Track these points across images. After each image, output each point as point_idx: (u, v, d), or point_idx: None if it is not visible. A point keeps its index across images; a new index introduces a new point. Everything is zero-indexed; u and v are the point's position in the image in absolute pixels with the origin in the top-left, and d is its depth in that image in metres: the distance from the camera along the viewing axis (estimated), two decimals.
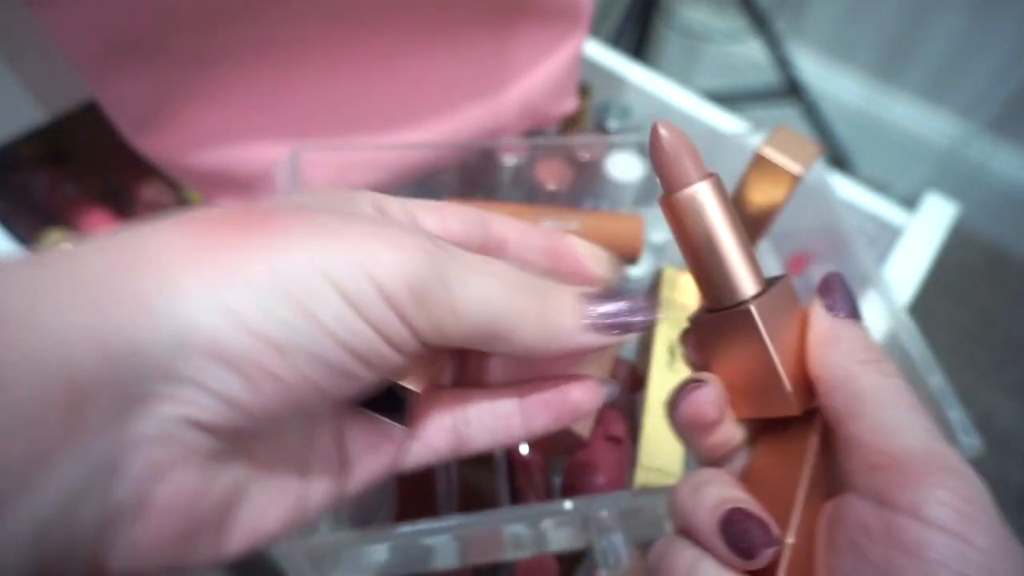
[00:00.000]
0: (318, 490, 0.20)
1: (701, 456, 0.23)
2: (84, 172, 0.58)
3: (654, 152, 0.21)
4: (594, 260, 0.23)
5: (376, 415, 0.20)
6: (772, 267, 0.49)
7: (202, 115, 0.41)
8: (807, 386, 0.21)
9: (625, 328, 0.20)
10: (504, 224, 0.22)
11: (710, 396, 0.21)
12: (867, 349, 0.20)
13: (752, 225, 0.36)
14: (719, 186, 0.21)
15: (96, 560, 0.15)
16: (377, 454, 0.21)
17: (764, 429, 0.23)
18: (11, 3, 0.39)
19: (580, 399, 0.22)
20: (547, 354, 0.19)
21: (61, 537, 0.14)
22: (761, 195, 0.35)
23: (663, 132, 0.21)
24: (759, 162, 0.34)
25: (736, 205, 0.36)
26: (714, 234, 0.20)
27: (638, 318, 0.20)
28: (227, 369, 0.15)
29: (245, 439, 0.17)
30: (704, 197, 0.20)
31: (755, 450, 0.22)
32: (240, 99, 0.41)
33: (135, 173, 0.56)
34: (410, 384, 0.19)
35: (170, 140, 0.41)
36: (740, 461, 0.23)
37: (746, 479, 0.22)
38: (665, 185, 0.21)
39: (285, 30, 0.40)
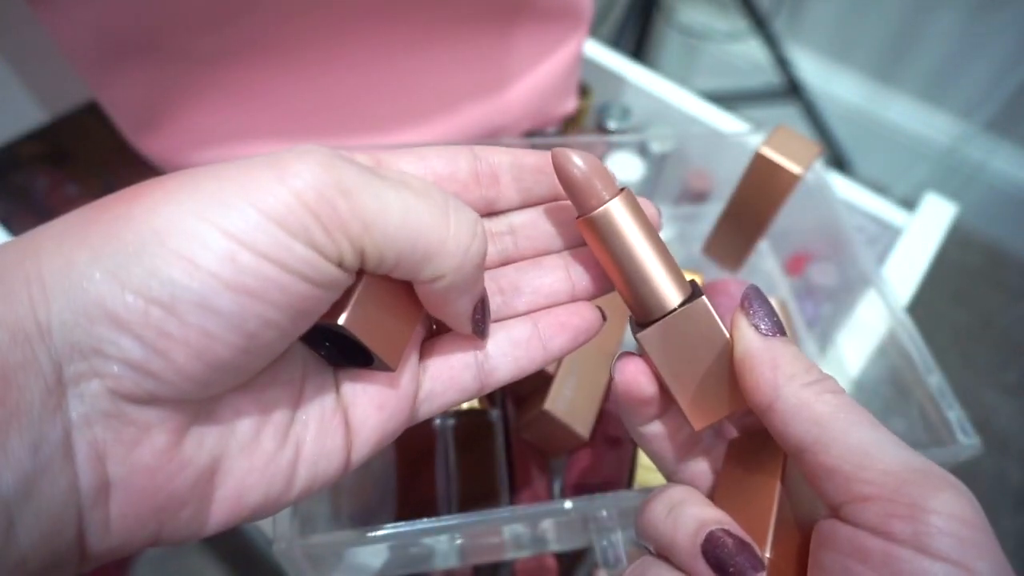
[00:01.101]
0: (310, 458, 0.19)
1: (652, 453, 0.23)
2: (84, 172, 0.58)
3: (561, 179, 0.21)
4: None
5: (344, 366, 0.20)
6: (772, 267, 0.49)
7: (202, 115, 0.41)
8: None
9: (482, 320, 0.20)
10: (496, 152, 0.22)
11: (642, 366, 0.21)
12: (808, 369, 0.20)
13: (752, 225, 0.36)
14: (631, 200, 0.21)
15: (76, 541, 0.16)
16: (383, 411, 0.20)
17: (732, 444, 0.22)
18: (11, 3, 0.39)
19: (592, 316, 0.23)
20: (470, 285, 0.19)
21: (32, 521, 0.14)
22: (761, 195, 0.35)
23: (574, 160, 0.21)
24: (759, 162, 0.34)
25: (736, 205, 0.36)
26: (633, 248, 0.20)
27: None
28: (126, 335, 0.15)
29: (208, 410, 0.17)
30: (617, 213, 0.20)
31: (724, 465, 0.22)
32: (240, 99, 0.41)
33: (135, 173, 0.56)
34: (351, 323, 0.18)
35: (170, 140, 0.41)
36: (699, 466, 0.23)
37: (716, 495, 0.21)
38: (578, 207, 0.21)
39: (285, 30, 0.40)
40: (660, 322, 0.20)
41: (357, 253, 0.17)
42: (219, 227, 0.15)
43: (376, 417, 0.20)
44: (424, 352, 0.22)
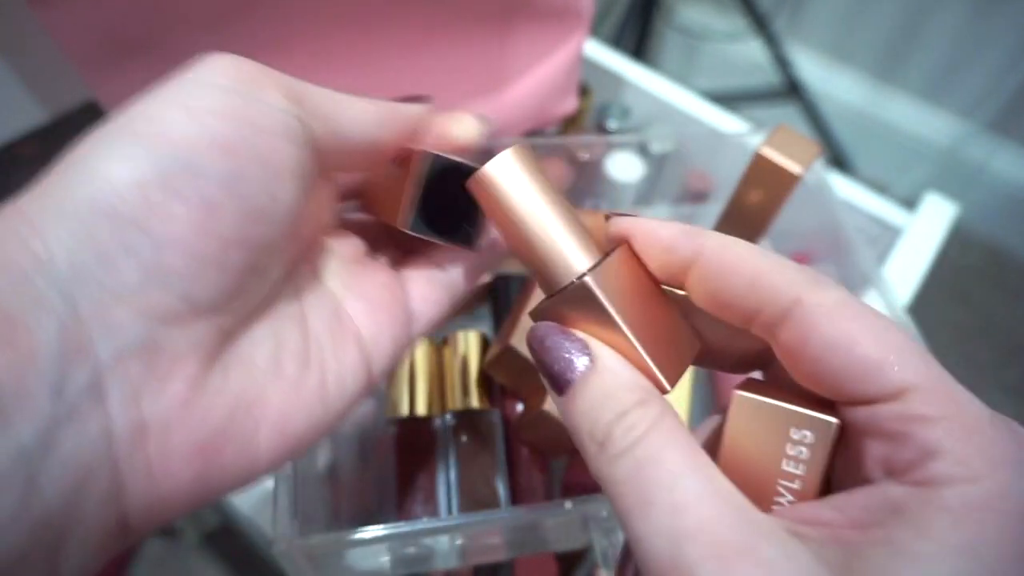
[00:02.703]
0: (334, 377, 0.19)
1: None
2: None
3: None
4: (461, 129, 0.23)
5: (437, 240, 0.21)
6: None
7: None
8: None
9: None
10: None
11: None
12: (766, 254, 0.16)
13: (752, 225, 0.36)
14: (526, 154, 0.18)
15: (112, 496, 0.14)
16: (386, 315, 0.21)
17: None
18: (11, 3, 0.39)
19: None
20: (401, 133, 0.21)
21: (58, 472, 0.13)
22: (761, 195, 0.35)
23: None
24: (759, 162, 0.34)
25: (736, 205, 0.36)
26: (528, 207, 0.17)
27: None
28: (132, 231, 0.14)
29: (227, 344, 0.17)
30: (507, 167, 0.17)
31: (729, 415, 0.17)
32: None
33: None
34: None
35: None
36: None
37: (719, 450, 0.17)
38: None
39: (284, 30, 0.40)
40: (606, 263, 0.17)
41: (328, 133, 0.19)
42: (179, 104, 0.16)
43: (382, 324, 0.21)
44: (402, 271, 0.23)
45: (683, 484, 0.14)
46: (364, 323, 0.20)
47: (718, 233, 0.17)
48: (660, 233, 0.17)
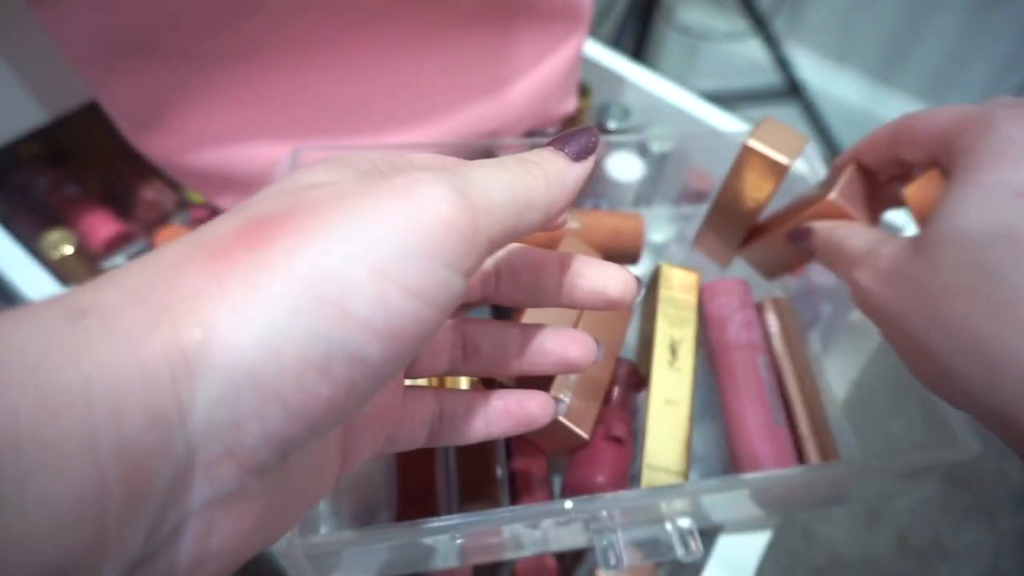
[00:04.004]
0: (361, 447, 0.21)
1: None
2: (84, 172, 0.58)
3: None
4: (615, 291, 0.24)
5: None
6: None
7: (202, 115, 0.41)
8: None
9: (591, 149, 0.22)
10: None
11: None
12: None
13: (741, 217, 0.36)
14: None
15: None
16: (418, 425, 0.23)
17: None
18: (11, 3, 0.39)
19: (535, 410, 0.24)
20: (558, 206, 0.20)
21: None
22: (750, 187, 0.35)
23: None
24: (746, 154, 0.34)
25: (724, 198, 0.36)
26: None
27: (594, 139, 0.22)
28: (273, 405, 0.14)
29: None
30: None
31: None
32: (240, 99, 0.41)
33: (135, 173, 0.56)
34: None
35: (170, 140, 0.41)
36: None
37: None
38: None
39: (285, 31, 0.40)
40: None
41: (491, 247, 0.17)
42: (369, 265, 0.14)
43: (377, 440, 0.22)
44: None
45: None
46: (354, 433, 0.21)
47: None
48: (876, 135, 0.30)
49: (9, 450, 0.12)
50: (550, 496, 0.35)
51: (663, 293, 0.38)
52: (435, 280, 0.15)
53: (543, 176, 0.20)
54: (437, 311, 0.16)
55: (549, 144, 0.21)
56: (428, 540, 0.30)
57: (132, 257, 0.51)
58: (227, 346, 0.14)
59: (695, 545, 0.31)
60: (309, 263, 0.14)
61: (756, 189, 0.35)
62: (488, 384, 0.35)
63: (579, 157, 0.21)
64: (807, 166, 0.43)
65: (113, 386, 0.13)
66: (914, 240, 0.24)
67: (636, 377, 0.37)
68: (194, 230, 0.16)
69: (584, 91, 0.57)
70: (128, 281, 0.14)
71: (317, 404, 0.14)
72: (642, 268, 0.47)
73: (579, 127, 0.22)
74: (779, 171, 0.33)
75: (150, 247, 0.51)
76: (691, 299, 0.38)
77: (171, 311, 0.14)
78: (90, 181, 0.57)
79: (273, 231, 0.15)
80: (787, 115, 1.17)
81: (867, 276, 0.26)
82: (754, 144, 0.33)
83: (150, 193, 0.55)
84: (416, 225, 0.15)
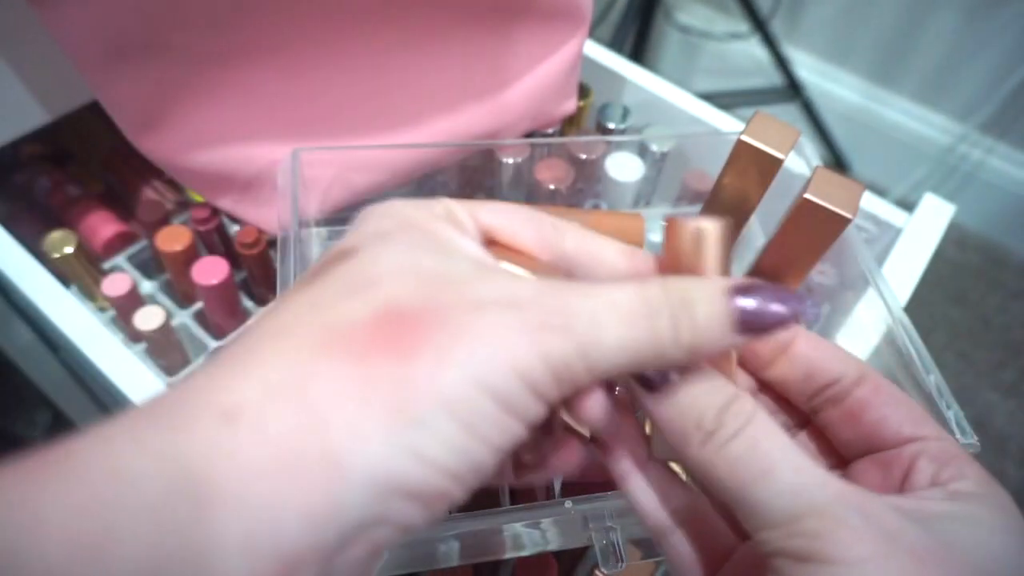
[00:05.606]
0: None
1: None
2: (86, 172, 0.58)
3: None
4: (695, 243, 0.20)
5: None
6: None
7: (202, 115, 0.41)
8: None
9: (776, 324, 0.18)
10: (576, 240, 0.22)
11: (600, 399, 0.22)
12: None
13: (735, 212, 0.36)
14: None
15: None
16: None
17: None
18: (12, 3, 0.39)
19: (562, 463, 0.23)
20: (693, 363, 0.19)
21: None
22: (743, 182, 0.35)
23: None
24: (740, 149, 0.34)
25: (718, 195, 0.36)
26: None
27: (788, 316, 0.18)
28: (414, 505, 0.16)
29: None
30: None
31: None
32: (240, 99, 0.41)
33: (136, 173, 0.56)
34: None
35: (170, 140, 0.41)
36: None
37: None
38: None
39: (285, 30, 0.40)
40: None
41: (576, 392, 0.19)
42: (495, 398, 0.16)
43: None
44: None
45: (795, 451, 0.17)
46: None
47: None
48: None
49: (170, 562, 0.12)
50: (550, 496, 0.35)
51: None
52: (531, 408, 0.17)
53: (679, 343, 0.17)
54: (528, 428, 0.17)
55: (735, 288, 0.18)
56: (428, 540, 0.30)
57: (132, 258, 0.51)
58: (378, 454, 0.15)
59: None
60: (449, 388, 0.16)
61: (751, 184, 0.35)
62: None
63: (749, 330, 0.18)
64: (804, 163, 0.43)
65: (268, 491, 0.14)
66: None
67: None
68: (315, 298, 0.17)
69: (584, 91, 0.57)
70: (270, 374, 0.15)
71: (446, 502, 0.17)
72: None
73: (781, 288, 0.18)
74: (774, 165, 0.33)
75: (150, 247, 0.51)
76: None
77: (319, 416, 0.15)
78: (91, 181, 0.57)
79: (412, 338, 0.16)
80: (787, 115, 1.17)
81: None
82: (748, 139, 0.33)
83: (150, 193, 0.55)
84: (523, 359, 0.16)
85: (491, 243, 0.22)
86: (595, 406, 0.19)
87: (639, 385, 0.19)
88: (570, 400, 0.20)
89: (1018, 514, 0.18)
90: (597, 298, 0.17)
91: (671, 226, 0.20)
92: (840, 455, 0.23)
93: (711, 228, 0.20)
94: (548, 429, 0.22)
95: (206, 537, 0.13)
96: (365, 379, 0.15)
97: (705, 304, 0.17)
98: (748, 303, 0.17)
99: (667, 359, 0.18)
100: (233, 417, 0.14)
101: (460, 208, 0.21)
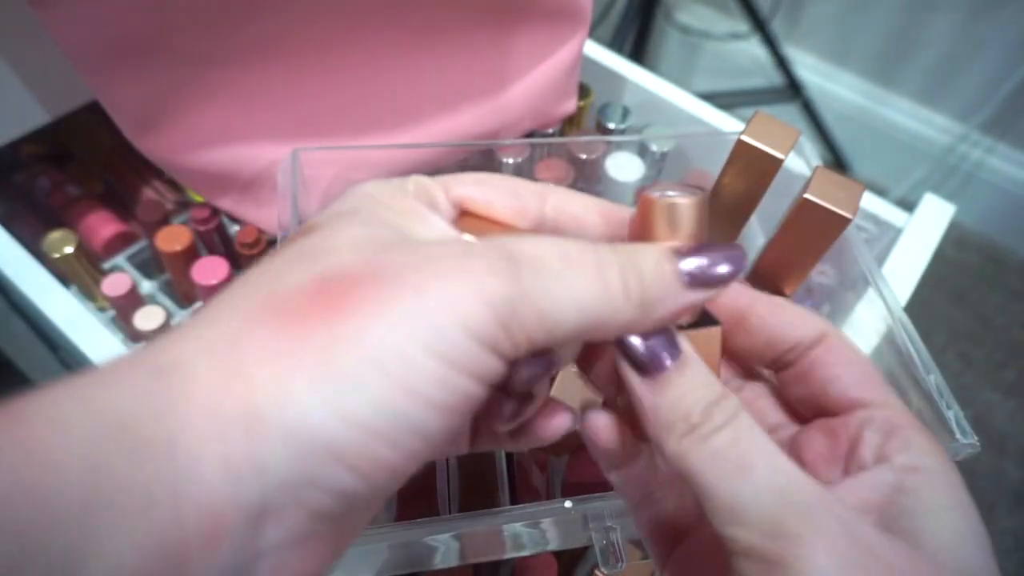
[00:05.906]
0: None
1: (617, 492, 0.23)
2: (85, 172, 0.58)
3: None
4: (667, 219, 0.20)
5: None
6: None
7: (203, 115, 0.41)
8: None
9: (722, 279, 0.18)
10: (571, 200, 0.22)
11: (606, 421, 0.22)
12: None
13: (735, 213, 0.36)
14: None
15: None
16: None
17: None
18: (13, 4, 0.39)
19: (549, 429, 0.23)
20: (648, 327, 0.18)
21: None
22: (744, 182, 0.35)
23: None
24: (740, 149, 0.34)
25: (719, 193, 0.36)
26: None
27: (735, 268, 0.18)
28: (342, 467, 0.15)
29: None
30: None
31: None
32: (240, 99, 0.41)
33: (135, 173, 0.56)
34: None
35: (170, 140, 0.41)
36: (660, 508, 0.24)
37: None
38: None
39: (285, 31, 0.40)
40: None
41: (533, 350, 0.17)
42: (432, 351, 0.15)
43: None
44: None
45: (777, 453, 0.17)
46: None
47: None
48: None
49: (102, 500, 0.13)
50: (550, 496, 0.35)
51: None
52: (484, 363, 0.16)
53: (630, 298, 0.17)
54: (483, 386, 0.17)
55: (682, 249, 0.18)
56: (428, 540, 0.30)
57: (132, 258, 0.51)
58: (300, 411, 0.15)
59: None
60: (377, 344, 0.15)
61: (751, 184, 0.35)
62: None
63: (699, 283, 0.18)
64: (804, 163, 0.43)
65: (193, 441, 0.14)
66: None
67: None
68: (265, 269, 0.17)
69: (584, 91, 0.57)
70: (205, 334, 0.16)
71: (383, 469, 0.15)
72: None
73: (726, 245, 0.19)
74: (774, 165, 0.33)
75: (150, 247, 0.51)
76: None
77: (246, 372, 0.15)
78: (91, 181, 0.57)
79: (348, 298, 0.16)
80: (787, 116, 1.18)
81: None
82: (748, 139, 0.33)
83: (150, 193, 0.55)
84: (468, 312, 0.16)
85: (464, 214, 0.22)
86: (609, 368, 0.19)
87: (631, 366, 0.19)
88: (589, 364, 0.20)
89: (962, 485, 0.19)
90: (547, 247, 0.17)
91: (644, 203, 0.20)
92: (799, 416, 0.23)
93: (684, 204, 0.20)
94: (528, 397, 0.21)
95: (136, 483, 0.13)
96: (295, 338, 0.15)
97: (652, 261, 0.18)
98: (694, 257, 0.18)
99: (622, 317, 0.18)
100: (164, 373, 0.15)
101: (433, 183, 0.21)
